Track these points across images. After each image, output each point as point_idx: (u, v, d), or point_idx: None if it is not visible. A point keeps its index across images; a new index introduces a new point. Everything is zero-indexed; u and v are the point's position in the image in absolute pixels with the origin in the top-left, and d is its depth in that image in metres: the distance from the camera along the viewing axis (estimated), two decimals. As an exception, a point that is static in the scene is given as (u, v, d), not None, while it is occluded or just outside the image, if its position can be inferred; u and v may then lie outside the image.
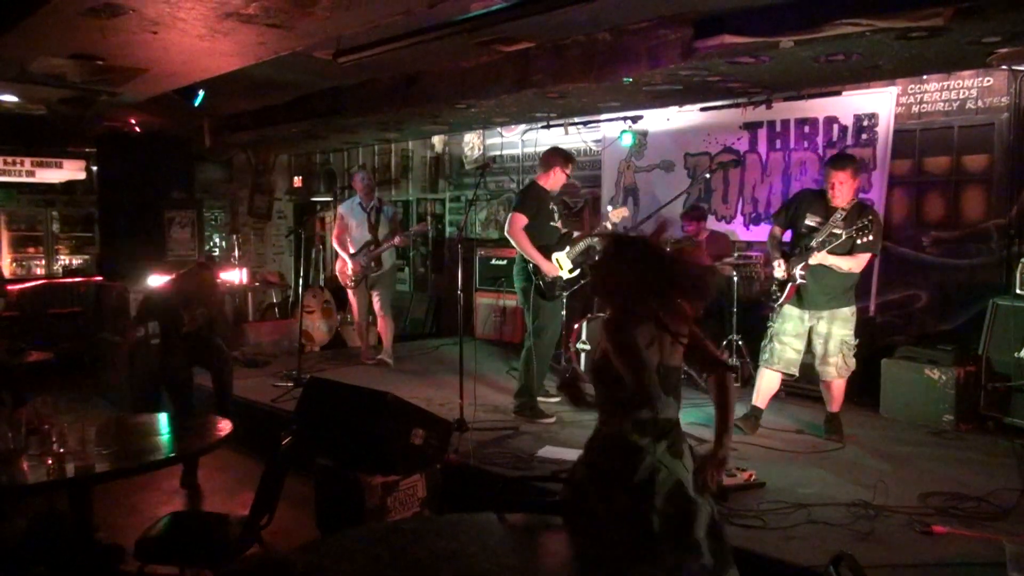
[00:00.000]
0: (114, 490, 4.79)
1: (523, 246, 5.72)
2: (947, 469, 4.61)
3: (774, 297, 5.24)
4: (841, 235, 4.93)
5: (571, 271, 5.88)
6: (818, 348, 5.13)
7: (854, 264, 4.99)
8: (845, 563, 2.91)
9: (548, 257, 5.75)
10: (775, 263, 5.21)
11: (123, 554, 3.94)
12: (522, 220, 5.72)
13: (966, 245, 6.09)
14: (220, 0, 4.26)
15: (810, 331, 5.14)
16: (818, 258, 4.97)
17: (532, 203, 5.81)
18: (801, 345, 5.16)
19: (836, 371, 5.09)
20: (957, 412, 5.38)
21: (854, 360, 5.14)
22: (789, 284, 5.11)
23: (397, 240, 7.57)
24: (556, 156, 6.01)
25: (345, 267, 7.73)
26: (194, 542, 3.47)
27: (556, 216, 5.97)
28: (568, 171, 6.00)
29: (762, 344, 5.37)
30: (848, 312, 5.09)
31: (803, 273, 5.03)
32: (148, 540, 3.40)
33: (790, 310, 5.15)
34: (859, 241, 4.88)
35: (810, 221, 5.11)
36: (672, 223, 7.62)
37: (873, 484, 4.17)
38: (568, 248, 5.89)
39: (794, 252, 5.15)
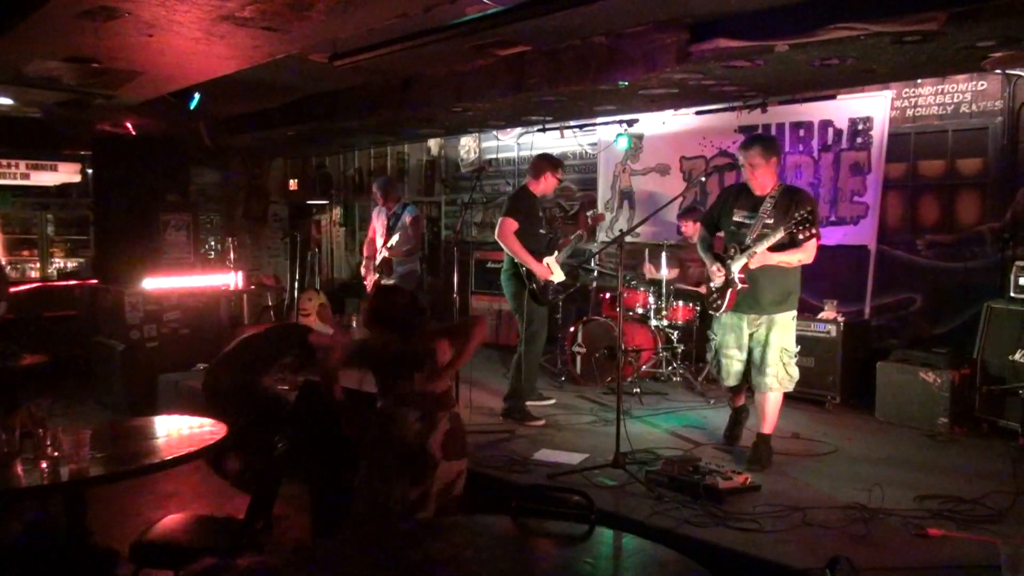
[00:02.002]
0: (109, 494, 4.77)
1: (515, 250, 5.71)
2: (942, 472, 4.61)
3: (714, 305, 4.82)
4: (774, 227, 4.52)
5: (561, 274, 5.94)
6: (756, 355, 4.73)
7: (804, 255, 4.58)
8: (841, 566, 2.92)
9: (539, 262, 5.77)
10: (713, 268, 4.78)
11: (118, 558, 3.92)
12: (513, 225, 5.72)
13: (961, 248, 6.11)
14: (215, 3, 4.26)
15: (750, 338, 4.77)
16: (760, 258, 4.53)
17: (523, 208, 5.83)
18: (744, 355, 4.82)
19: (777, 382, 4.67)
20: (952, 415, 5.38)
21: (796, 370, 4.75)
22: (729, 289, 4.68)
23: (385, 252, 7.35)
24: (546, 162, 6.04)
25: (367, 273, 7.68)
26: (189, 546, 3.46)
27: (544, 223, 6.01)
28: (558, 176, 6.03)
29: (708, 357, 5.21)
30: (789, 317, 4.70)
31: (743, 276, 4.63)
32: (143, 544, 3.40)
33: (728, 319, 4.79)
34: (800, 236, 4.44)
35: (738, 216, 4.73)
36: (666, 226, 7.65)
37: (868, 487, 4.18)
38: (556, 252, 5.93)
39: (728, 254, 4.74)
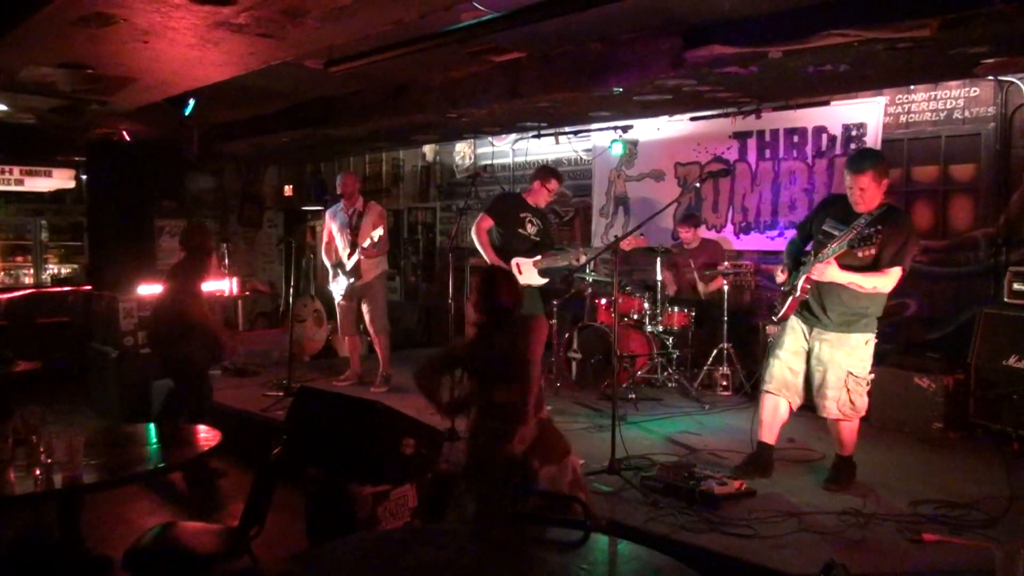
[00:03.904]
0: (103, 501, 4.77)
1: (480, 243, 5.99)
2: (937, 477, 4.62)
3: (775, 310, 4.58)
4: (849, 241, 4.13)
5: (538, 279, 6.09)
6: (815, 376, 4.35)
7: (881, 282, 4.13)
8: (836, 571, 2.92)
9: (507, 261, 5.94)
10: (777, 270, 4.60)
11: (112, 565, 3.91)
12: (487, 222, 6.03)
13: (954, 254, 6.12)
14: (211, 10, 4.25)
15: (809, 353, 4.41)
16: (826, 273, 4.13)
17: (501, 208, 6.11)
18: (800, 365, 4.43)
19: (837, 408, 4.27)
20: (946, 420, 5.39)
21: (865, 400, 4.31)
22: (790, 297, 4.38)
23: (362, 253, 6.85)
24: (541, 170, 6.29)
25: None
26: (183, 553, 3.45)
27: (529, 228, 6.08)
28: (550, 187, 6.17)
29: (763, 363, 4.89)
30: (861, 339, 4.26)
31: (806, 286, 4.28)
32: (137, 551, 3.38)
33: (793, 322, 4.45)
34: (860, 254, 4.10)
35: (827, 226, 4.32)
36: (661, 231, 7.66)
37: (863, 492, 4.17)
38: (540, 257, 6.04)
39: (803, 260, 4.47)
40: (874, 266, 4.14)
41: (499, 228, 6.05)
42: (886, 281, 4.14)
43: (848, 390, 4.26)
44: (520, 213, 6.08)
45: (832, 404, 4.28)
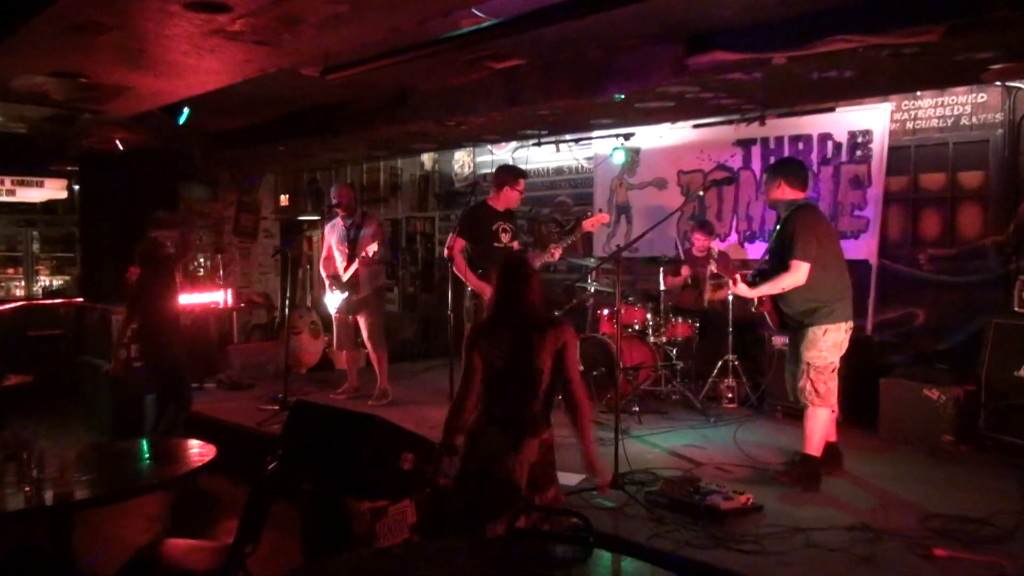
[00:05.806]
0: (95, 518, 4.68)
1: (459, 269, 5.73)
2: (947, 490, 4.55)
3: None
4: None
5: None
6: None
7: (786, 281, 4.53)
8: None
9: (487, 277, 5.66)
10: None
11: (103, 584, 3.83)
12: (459, 243, 5.75)
13: (963, 262, 6.07)
14: (206, 17, 4.21)
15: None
16: (743, 293, 4.74)
17: (472, 225, 5.84)
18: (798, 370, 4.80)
19: (804, 396, 4.60)
20: (956, 432, 5.30)
21: (828, 389, 4.58)
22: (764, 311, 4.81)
23: (356, 264, 6.74)
24: (504, 173, 6.00)
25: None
26: (177, 571, 3.37)
27: (504, 237, 5.87)
28: (518, 188, 5.92)
29: None
30: (820, 331, 4.55)
31: (762, 298, 4.73)
32: (130, 570, 3.32)
33: (791, 336, 4.83)
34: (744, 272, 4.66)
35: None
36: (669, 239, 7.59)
37: (872, 507, 4.10)
38: None
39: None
40: (785, 265, 4.53)
41: (473, 245, 5.77)
42: (792, 278, 4.51)
43: (810, 380, 4.57)
44: (492, 225, 5.85)
45: (800, 392, 4.62)
